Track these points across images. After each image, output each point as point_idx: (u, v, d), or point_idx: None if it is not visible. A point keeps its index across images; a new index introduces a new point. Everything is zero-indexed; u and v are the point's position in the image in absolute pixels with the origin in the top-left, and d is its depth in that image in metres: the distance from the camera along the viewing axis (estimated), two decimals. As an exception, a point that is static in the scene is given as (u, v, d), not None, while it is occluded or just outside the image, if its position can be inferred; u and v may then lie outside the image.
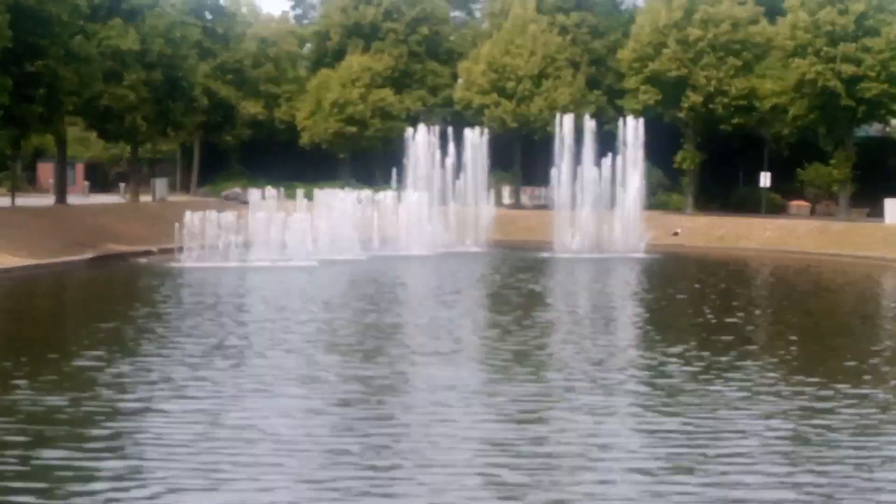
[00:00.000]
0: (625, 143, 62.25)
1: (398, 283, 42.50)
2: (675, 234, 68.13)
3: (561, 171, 62.57)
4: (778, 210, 78.32)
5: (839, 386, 20.71)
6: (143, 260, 49.92)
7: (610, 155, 61.93)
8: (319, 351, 24.23)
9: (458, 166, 66.26)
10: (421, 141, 65.47)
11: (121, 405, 18.34)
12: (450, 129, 66.87)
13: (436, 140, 65.63)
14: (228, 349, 24.04)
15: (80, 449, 15.57)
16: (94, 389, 19.48)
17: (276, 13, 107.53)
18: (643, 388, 20.76)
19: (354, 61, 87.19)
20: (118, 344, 24.53)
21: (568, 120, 62.91)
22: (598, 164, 61.90)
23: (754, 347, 26.53)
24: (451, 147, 66.40)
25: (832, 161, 74.79)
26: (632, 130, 62.66)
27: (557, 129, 63.50)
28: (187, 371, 21.34)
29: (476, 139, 66.71)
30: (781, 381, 21.32)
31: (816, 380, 21.35)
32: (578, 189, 61.80)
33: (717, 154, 79.58)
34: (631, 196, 61.70)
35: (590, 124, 62.55)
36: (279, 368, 21.81)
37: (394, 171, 66.61)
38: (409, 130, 66.66)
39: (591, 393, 20.05)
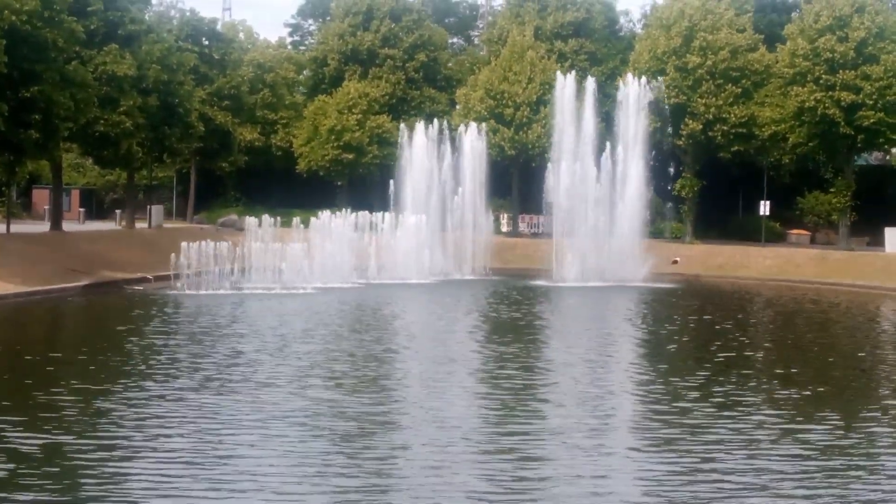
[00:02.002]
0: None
1: (394, 313, 42.02)
2: (675, 262, 67.73)
3: (559, 198, 62.14)
4: (777, 238, 78.01)
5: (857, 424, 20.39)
6: (138, 287, 49.49)
7: (607, 180, 61.73)
8: (315, 383, 23.77)
9: (455, 191, 66.22)
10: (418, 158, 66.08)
11: (108, 441, 17.92)
12: (448, 154, 66.97)
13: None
14: (221, 382, 23.63)
15: (67, 486, 15.17)
16: (82, 424, 19.08)
17: (273, 39, 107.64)
18: (646, 425, 20.36)
19: (352, 87, 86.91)
20: (109, 376, 24.10)
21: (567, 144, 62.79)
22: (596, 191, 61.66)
23: (765, 379, 26.10)
24: (449, 171, 66.45)
25: (832, 189, 74.49)
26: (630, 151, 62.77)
27: (555, 154, 63.50)
28: (180, 405, 20.94)
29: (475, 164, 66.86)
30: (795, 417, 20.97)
31: (837, 417, 21.01)
32: (577, 214, 61.42)
33: (716, 182, 79.20)
34: (630, 223, 61.44)
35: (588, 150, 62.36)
36: (274, 403, 21.36)
37: (391, 183, 66.67)
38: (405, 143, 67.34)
39: (592, 430, 19.67)
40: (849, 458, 17.72)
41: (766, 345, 34.61)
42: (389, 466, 16.70)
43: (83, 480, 15.55)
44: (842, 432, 19.63)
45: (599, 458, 17.56)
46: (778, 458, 17.58)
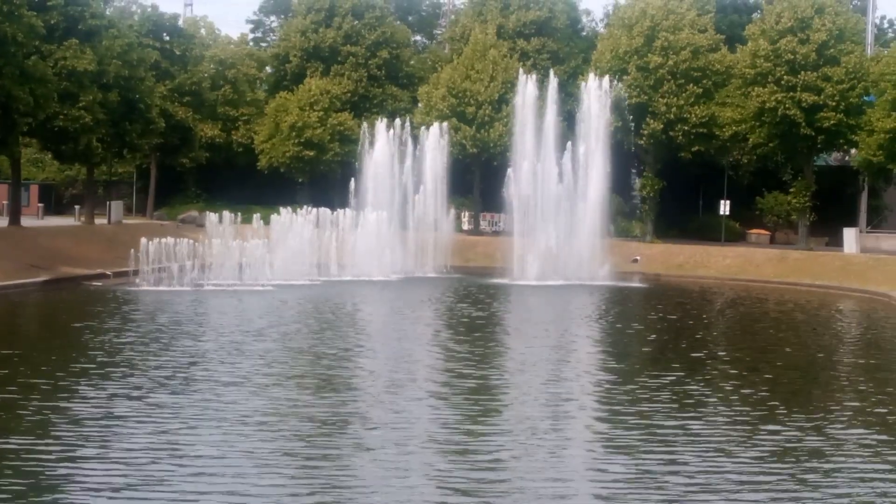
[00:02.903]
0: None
1: (354, 311, 41.89)
2: (635, 261, 67.88)
3: (520, 196, 62.12)
4: (737, 238, 78.47)
5: (830, 429, 20.48)
6: (97, 283, 49.19)
7: (569, 179, 61.74)
8: (274, 382, 23.68)
9: (417, 189, 66.14)
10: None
11: (64, 441, 17.75)
12: (409, 152, 66.96)
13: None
14: (180, 380, 23.49)
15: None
16: (37, 424, 18.89)
17: (235, 35, 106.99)
18: (606, 425, 20.36)
19: (313, 84, 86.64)
20: (65, 374, 23.88)
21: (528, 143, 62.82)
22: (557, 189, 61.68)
23: (724, 377, 26.19)
24: (411, 169, 66.40)
25: (791, 190, 74.83)
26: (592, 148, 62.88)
27: (516, 153, 63.54)
28: (137, 404, 20.76)
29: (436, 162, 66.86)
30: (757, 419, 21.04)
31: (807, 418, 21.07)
32: (538, 213, 61.50)
33: (676, 182, 79.46)
34: (590, 223, 61.51)
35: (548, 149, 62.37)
36: (233, 401, 21.24)
37: (352, 182, 66.55)
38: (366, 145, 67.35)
39: (552, 430, 19.67)
40: (807, 459, 17.79)
41: (726, 345, 34.70)
42: (348, 466, 16.62)
43: (38, 481, 15.40)
44: (800, 434, 19.69)
45: (560, 458, 17.53)
46: (737, 459, 17.63)
